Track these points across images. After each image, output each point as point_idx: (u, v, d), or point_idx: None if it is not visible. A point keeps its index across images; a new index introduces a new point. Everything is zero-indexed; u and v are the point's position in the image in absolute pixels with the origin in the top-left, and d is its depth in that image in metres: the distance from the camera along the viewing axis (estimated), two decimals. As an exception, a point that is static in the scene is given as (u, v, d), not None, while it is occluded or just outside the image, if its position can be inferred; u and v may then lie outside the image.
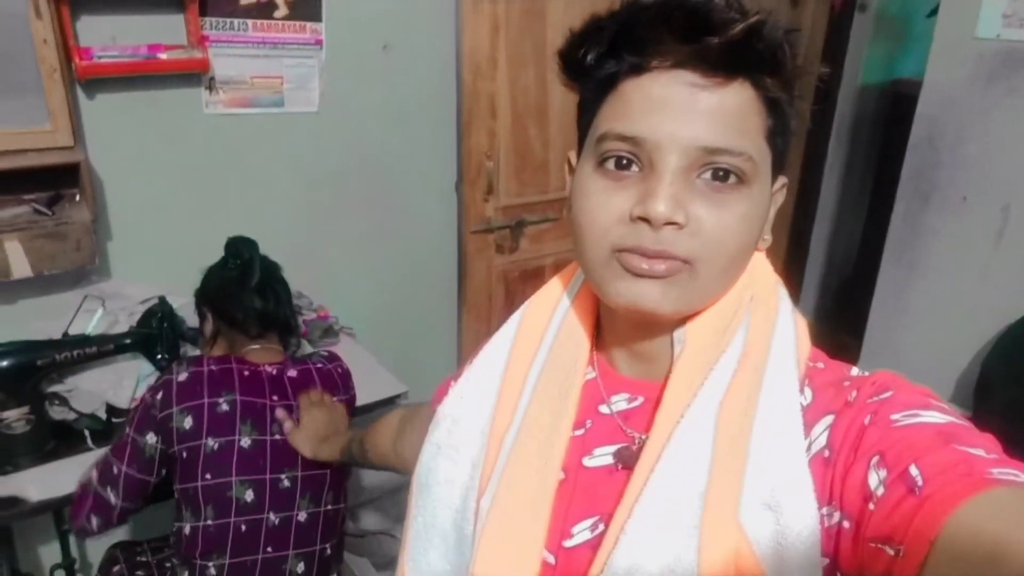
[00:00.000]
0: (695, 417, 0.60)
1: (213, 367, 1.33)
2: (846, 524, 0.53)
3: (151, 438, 1.28)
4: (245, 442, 1.31)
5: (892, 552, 0.47)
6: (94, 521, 1.31)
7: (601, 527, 0.64)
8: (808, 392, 0.60)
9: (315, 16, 1.86)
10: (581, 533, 0.65)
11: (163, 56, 1.62)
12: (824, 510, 0.54)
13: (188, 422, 1.28)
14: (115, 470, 1.29)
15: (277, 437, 1.35)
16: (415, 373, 2.04)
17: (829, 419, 0.57)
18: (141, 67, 1.61)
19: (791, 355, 0.62)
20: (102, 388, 1.64)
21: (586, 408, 0.70)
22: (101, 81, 1.62)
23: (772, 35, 0.55)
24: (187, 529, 1.30)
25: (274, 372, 1.39)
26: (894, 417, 0.53)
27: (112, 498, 1.29)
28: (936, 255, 1.82)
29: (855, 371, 0.62)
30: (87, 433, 1.58)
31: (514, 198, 2.31)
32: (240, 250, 1.45)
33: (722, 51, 0.54)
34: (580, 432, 0.69)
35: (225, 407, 1.30)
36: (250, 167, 1.91)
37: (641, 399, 0.68)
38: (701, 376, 0.62)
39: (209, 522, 1.29)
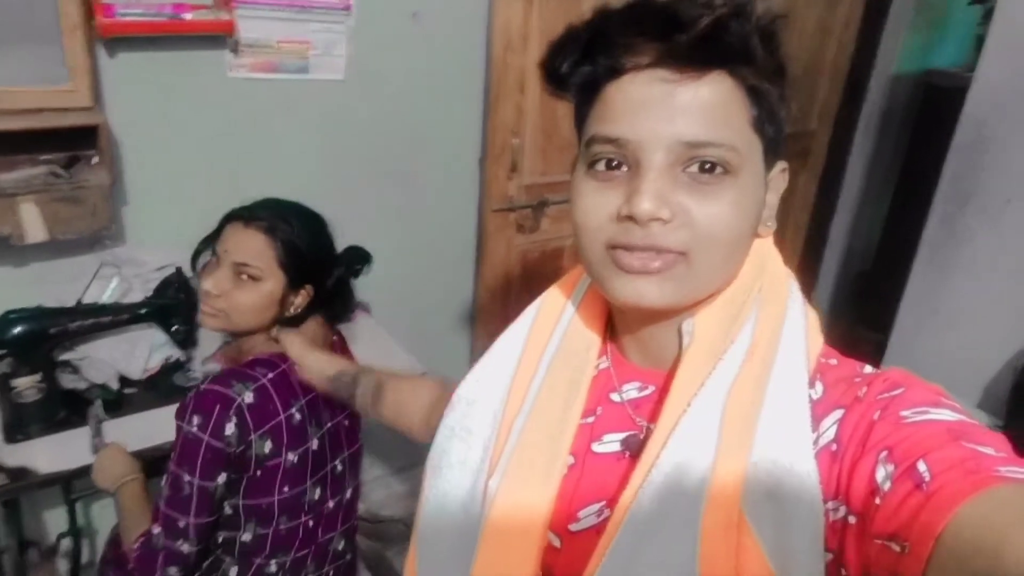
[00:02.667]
0: (701, 406, 0.61)
1: (270, 374, 1.18)
2: (852, 519, 0.53)
3: (222, 477, 1.14)
4: (315, 444, 1.24)
5: (898, 549, 0.47)
6: (173, 572, 1.18)
7: (607, 512, 0.65)
8: (819, 387, 0.61)
9: (345, -20, 1.79)
10: (587, 518, 0.67)
11: (188, 16, 1.55)
12: (830, 504, 0.55)
13: (268, 446, 1.16)
14: (181, 524, 1.15)
15: (329, 424, 1.29)
16: (428, 351, 2.00)
17: (839, 413, 0.58)
18: (165, 27, 1.55)
19: (800, 348, 0.63)
20: (114, 357, 1.61)
21: (598, 396, 0.71)
22: (123, 40, 1.56)
23: (740, 27, 0.56)
24: (247, 537, 1.22)
25: None
26: (904, 413, 0.53)
27: (186, 548, 1.16)
28: (973, 258, 1.77)
29: (868, 368, 0.63)
30: (96, 403, 1.55)
31: (538, 177, 2.25)
32: (362, 262, 1.34)
33: (692, 46, 0.56)
34: (591, 419, 0.70)
35: (298, 416, 1.20)
36: (272, 134, 1.86)
37: (652, 388, 0.69)
38: (709, 366, 0.63)
39: (281, 527, 1.22)
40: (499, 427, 0.73)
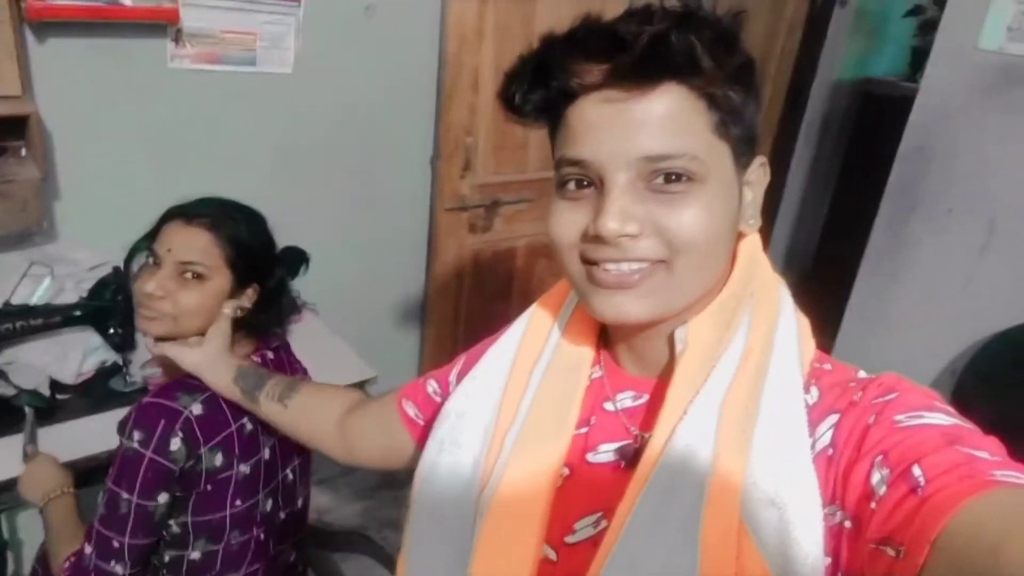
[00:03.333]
0: (697, 414, 0.61)
1: None
2: (847, 524, 0.53)
3: (164, 497, 1.06)
4: (266, 453, 1.18)
5: (893, 553, 0.47)
6: None
7: (604, 523, 0.64)
8: (815, 391, 0.61)
9: (295, -31, 1.73)
10: (584, 529, 0.66)
11: (127, 2, 1.47)
12: (827, 509, 0.55)
13: (219, 458, 1.10)
14: (115, 544, 1.06)
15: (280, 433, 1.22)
16: (377, 352, 1.96)
17: (834, 418, 0.58)
18: (102, 13, 1.46)
19: (794, 353, 0.63)
20: (45, 362, 1.51)
21: (592, 405, 0.71)
22: (55, 25, 1.47)
23: (683, 38, 0.56)
24: (196, 555, 1.14)
25: (259, 360, 1.22)
26: (898, 418, 0.53)
27: (119, 570, 1.07)
28: (917, 266, 1.83)
29: (862, 373, 0.62)
30: (28, 410, 1.45)
31: (491, 176, 2.23)
32: (301, 262, 1.29)
33: (636, 64, 0.56)
34: (584, 430, 0.70)
35: (250, 425, 1.14)
36: (215, 128, 1.78)
37: (646, 397, 0.69)
38: (703, 373, 0.62)
39: (233, 542, 1.16)
40: (491, 440, 0.72)
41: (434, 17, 1.99)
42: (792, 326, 0.65)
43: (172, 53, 1.64)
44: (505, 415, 0.72)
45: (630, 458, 0.66)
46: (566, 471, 0.69)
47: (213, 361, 1.08)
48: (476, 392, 0.77)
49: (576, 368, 0.72)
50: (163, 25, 1.59)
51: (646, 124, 0.57)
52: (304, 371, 1.36)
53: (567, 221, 0.63)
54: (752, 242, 0.69)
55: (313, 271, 2.06)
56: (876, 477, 0.51)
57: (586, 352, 0.73)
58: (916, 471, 0.49)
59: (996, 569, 0.41)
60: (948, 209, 1.75)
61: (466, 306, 2.32)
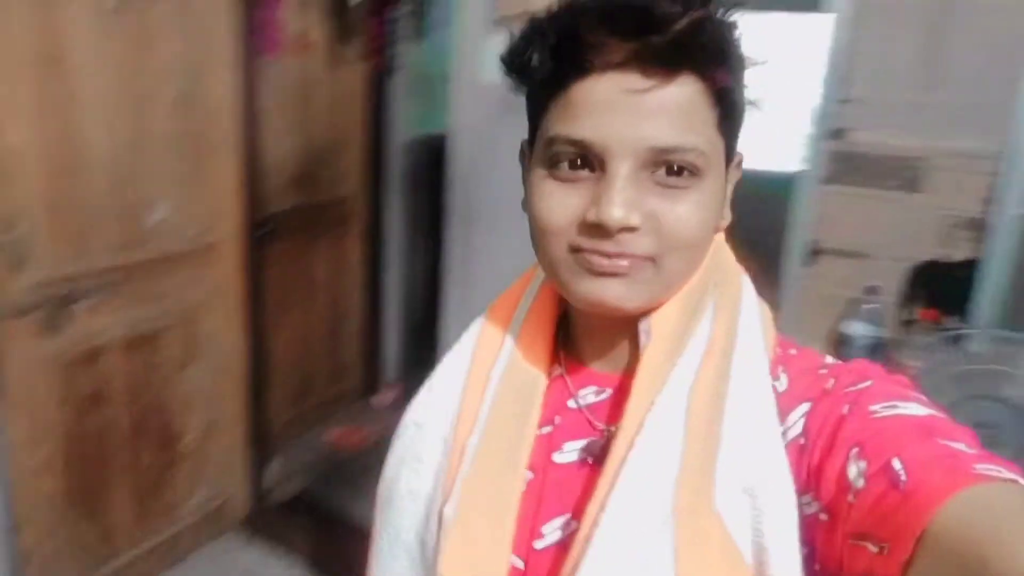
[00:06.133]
0: (665, 404, 0.59)
1: None
2: (823, 516, 0.53)
3: None
4: None
5: (875, 549, 0.47)
6: None
7: (573, 525, 0.62)
8: (784, 378, 0.62)
9: None
10: (552, 533, 0.64)
11: None
12: (803, 499, 0.55)
13: None
14: None
15: None
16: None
17: (805, 407, 0.58)
18: None
19: (759, 340, 0.63)
20: None
21: (554, 405, 0.69)
22: None
23: (717, 27, 0.55)
24: None
25: None
26: (873, 408, 0.54)
27: None
28: (487, 272, 2.08)
29: (829, 359, 0.64)
30: None
31: (62, 266, 1.96)
32: None
33: (667, 48, 0.54)
34: (548, 429, 0.68)
35: None
36: None
37: (609, 391, 0.67)
38: (669, 363, 0.61)
39: None
40: (450, 451, 0.68)
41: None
42: (755, 313, 0.65)
43: None
44: (464, 423, 0.69)
45: (597, 454, 0.64)
46: (530, 474, 0.65)
47: None
48: (433, 401, 0.73)
49: (534, 367, 0.68)
50: None
51: (660, 113, 0.55)
52: None
53: (560, 204, 0.58)
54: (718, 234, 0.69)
55: None
56: (853, 470, 0.51)
57: (544, 350, 0.70)
58: (896, 465, 0.48)
59: (986, 567, 0.41)
60: (499, 216, 2.04)
61: (64, 420, 2.04)
